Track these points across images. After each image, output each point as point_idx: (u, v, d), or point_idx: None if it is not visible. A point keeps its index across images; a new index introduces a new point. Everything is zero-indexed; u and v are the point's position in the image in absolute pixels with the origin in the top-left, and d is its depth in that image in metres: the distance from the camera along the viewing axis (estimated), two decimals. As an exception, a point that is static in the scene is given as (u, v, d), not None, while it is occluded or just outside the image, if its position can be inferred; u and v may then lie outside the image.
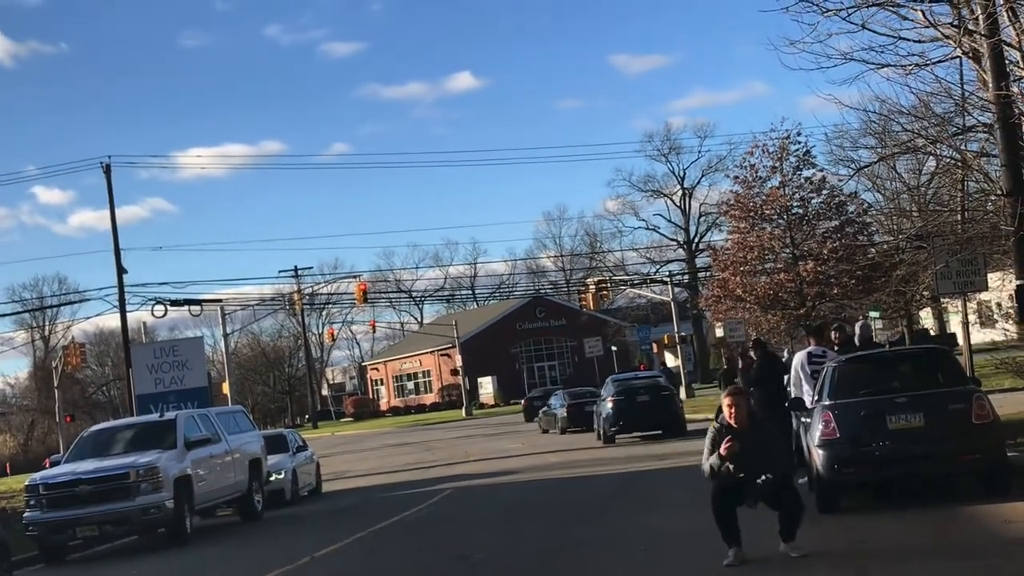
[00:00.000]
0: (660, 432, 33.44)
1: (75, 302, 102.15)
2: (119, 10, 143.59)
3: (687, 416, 35.31)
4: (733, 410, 10.91)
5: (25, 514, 19.75)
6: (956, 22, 18.50)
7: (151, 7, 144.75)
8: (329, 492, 28.19)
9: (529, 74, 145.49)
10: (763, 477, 10.54)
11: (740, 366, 23.05)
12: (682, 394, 53.06)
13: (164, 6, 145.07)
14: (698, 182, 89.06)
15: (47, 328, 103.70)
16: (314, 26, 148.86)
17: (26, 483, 21.47)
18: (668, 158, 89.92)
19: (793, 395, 16.91)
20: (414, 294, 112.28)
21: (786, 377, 18.57)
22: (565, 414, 42.03)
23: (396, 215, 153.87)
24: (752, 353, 21.39)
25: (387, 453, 42.02)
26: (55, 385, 72.58)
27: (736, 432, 10.71)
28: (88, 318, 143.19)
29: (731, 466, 10.56)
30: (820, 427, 13.99)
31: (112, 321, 50.55)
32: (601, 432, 34.93)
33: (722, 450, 10.63)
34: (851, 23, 17.66)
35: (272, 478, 25.04)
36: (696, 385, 60.92)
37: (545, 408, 46.36)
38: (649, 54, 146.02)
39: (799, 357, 17.64)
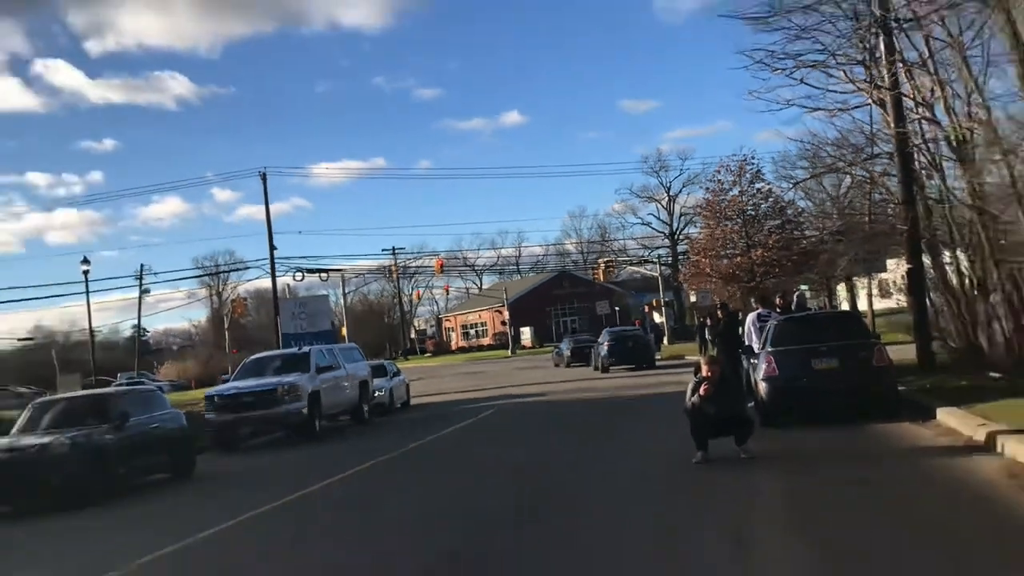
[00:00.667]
0: (635, 366, 35.77)
1: (240, 269, 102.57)
2: (272, 63, 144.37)
3: (667, 356, 35.94)
4: (709, 369, 11.01)
5: (205, 416, 20.08)
6: (869, 79, 18.34)
7: (294, 61, 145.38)
8: (415, 405, 28.37)
9: (560, 113, 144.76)
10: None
11: (709, 322, 23.00)
12: (665, 342, 52.95)
13: (304, 61, 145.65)
14: (680, 191, 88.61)
15: (221, 287, 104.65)
16: (408, 77, 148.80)
17: (205, 394, 21.89)
18: (659, 174, 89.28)
19: (746, 344, 16.89)
20: (476, 267, 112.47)
21: (741, 330, 18.52)
22: (569, 353, 43.67)
23: (465, 210, 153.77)
24: (719, 313, 21.30)
25: (455, 379, 42.17)
26: (225, 327, 73.24)
27: (710, 383, 10.85)
28: (249, 280, 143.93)
29: (703, 403, 10.76)
30: (764, 366, 13.99)
31: (266, 283, 50.72)
32: (599, 365, 36.73)
33: (701, 392, 10.81)
34: (793, 79, 17.62)
35: (376, 395, 25.24)
36: (675, 337, 60.39)
37: (556, 349, 46.58)
38: (647, 99, 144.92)
39: (751, 317, 17.59)
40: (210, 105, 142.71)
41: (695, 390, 10.96)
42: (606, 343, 36.94)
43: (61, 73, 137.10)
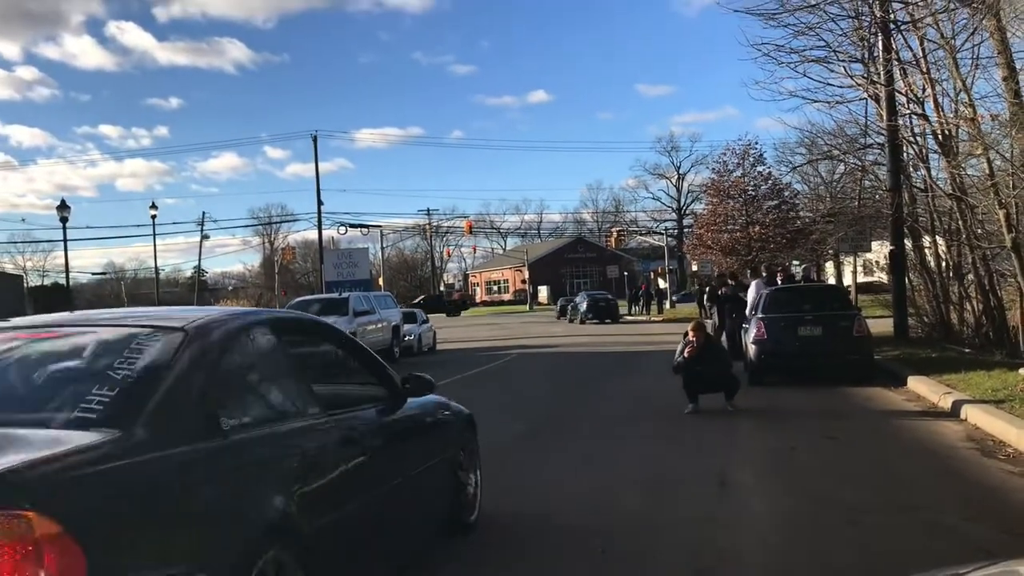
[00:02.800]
0: (608, 321, 41.35)
1: (290, 221, 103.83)
2: (320, 34, 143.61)
3: (669, 318, 36.61)
4: (695, 335, 11.05)
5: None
6: (866, 75, 18.09)
7: (340, 34, 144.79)
8: (441, 350, 28.46)
9: (582, 94, 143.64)
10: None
11: (708, 290, 22.69)
12: (667, 305, 52.81)
13: (349, 35, 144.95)
14: (689, 170, 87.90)
15: (273, 236, 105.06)
16: (444, 53, 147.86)
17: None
18: (670, 153, 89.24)
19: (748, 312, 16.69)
20: (501, 230, 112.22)
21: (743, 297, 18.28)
22: (584, 308, 44.60)
23: (493, 179, 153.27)
24: (728, 281, 20.66)
25: (478, 329, 42.30)
26: (276, 272, 73.77)
27: (697, 345, 10.94)
28: (298, 232, 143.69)
29: (690, 363, 10.90)
30: (754, 331, 13.97)
31: (312, 235, 51.10)
32: (578, 319, 42.54)
33: (686, 353, 10.92)
34: (796, 72, 17.45)
35: (406, 338, 25.39)
36: (676, 300, 60.14)
37: (570, 304, 47.35)
38: (660, 84, 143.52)
39: (755, 285, 17.34)
40: (264, 71, 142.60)
41: (682, 351, 11.03)
42: (584, 302, 43.42)
43: (132, 34, 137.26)
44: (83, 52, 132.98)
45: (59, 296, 36.61)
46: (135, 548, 2.57)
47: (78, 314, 4.60)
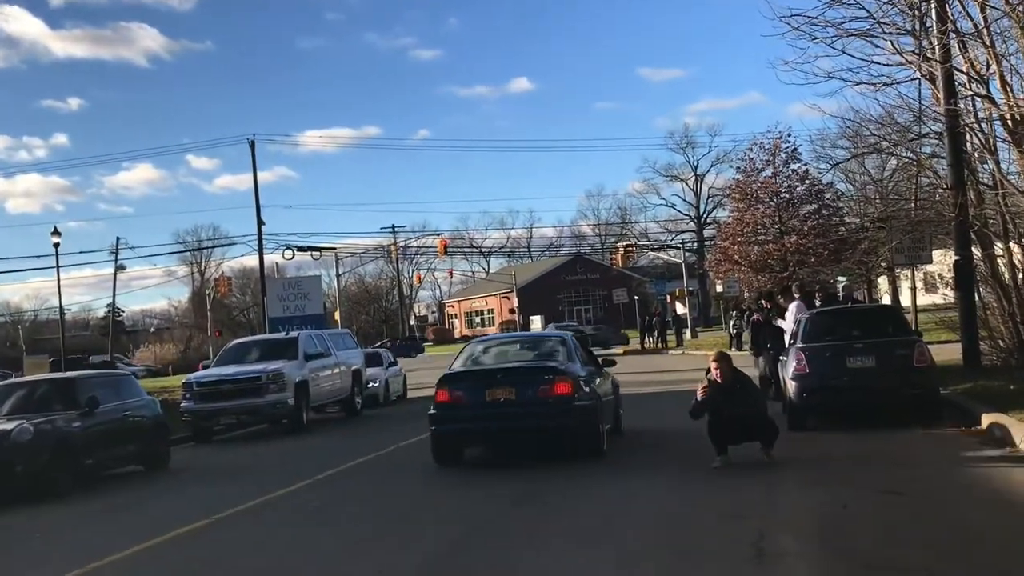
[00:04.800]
0: None
1: (224, 245, 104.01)
2: (250, 16, 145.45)
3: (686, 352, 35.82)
4: (718, 368, 11.11)
5: (181, 404, 20.11)
6: (917, 51, 18.24)
7: (276, 16, 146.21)
8: (412, 398, 28.37)
9: (573, 81, 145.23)
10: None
11: (753, 317, 22.30)
12: (687, 335, 52.96)
13: (285, 15, 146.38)
14: (708, 170, 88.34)
15: (203, 264, 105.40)
16: (404, 35, 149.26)
17: (183, 381, 21.89)
18: (685, 151, 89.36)
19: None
20: (483, 249, 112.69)
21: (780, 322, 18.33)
22: None
23: (472, 187, 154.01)
24: (765, 304, 20.24)
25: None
26: (208, 308, 73.68)
27: (719, 384, 10.99)
28: (234, 258, 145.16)
29: (710, 402, 10.99)
30: (793, 364, 13.97)
31: (252, 261, 51.15)
32: None
33: (699, 393, 11.04)
34: (834, 49, 17.46)
35: (369, 385, 25.32)
36: (699, 328, 60.33)
37: None
38: (669, 68, 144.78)
39: (795, 308, 17.35)
40: (184, 62, 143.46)
41: (702, 389, 11.11)
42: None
43: (19, 22, 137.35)
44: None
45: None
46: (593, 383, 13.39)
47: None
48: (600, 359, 15.33)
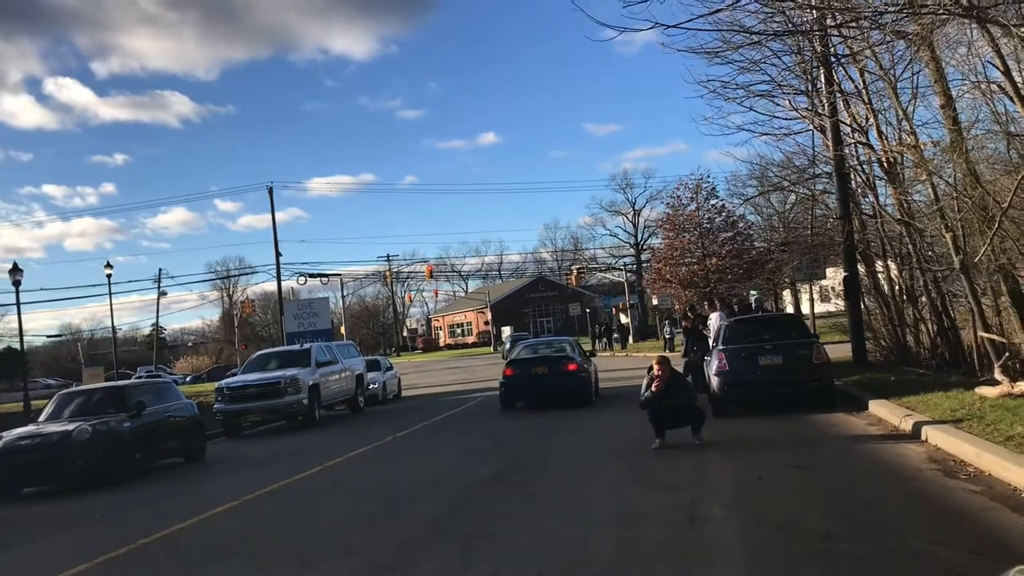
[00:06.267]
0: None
1: (248, 273, 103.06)
2: (263, 84, 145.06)
3: (629, 354, 35.77)
4: (659, 368, 11.11)
5: (214, 406, 19.92)
6: (810, 107, 18.51)
7: (285, 83, 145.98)
8: (406, 396, 28.30)
9: (531, 135, 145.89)
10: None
11: (682, 324, 22.58)
12: (630, 340, 53.02)
13: (293, 83, 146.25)
14: (644, 206, 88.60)
15: (231, 289, 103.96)
16: (391, 98, 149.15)
17: (216, 386, 21.68)
18: (625, 190, 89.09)
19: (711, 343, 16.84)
20: (462, 273, 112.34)
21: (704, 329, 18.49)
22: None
23: (452, 222, 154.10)
24: (689, 314, 20.70)
25: (442, 373, 42.10)
26: (235, 325, 72.85)
27: (661, 379, 11.01)
28: (257, 284, 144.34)
29: (655, 397, 10.99)
30: (716, 363, 14.05)
31: (272, 286, 51.03)
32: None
33: (653, 388, 11.00)
34: (743, 107, 17.77)
35: (370, 387, 25.17)
36: (636, 337, 60.36)
37: (502, 346, 47.25)
38: (609, 123, 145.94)
39: (716, 317, 17.52)
40: (210, 123, 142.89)
41: (648, 386, 11.05)
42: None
43: (71, 91, 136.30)
44: (22, 110, 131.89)
45: (12, 360, 35.75)
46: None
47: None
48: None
